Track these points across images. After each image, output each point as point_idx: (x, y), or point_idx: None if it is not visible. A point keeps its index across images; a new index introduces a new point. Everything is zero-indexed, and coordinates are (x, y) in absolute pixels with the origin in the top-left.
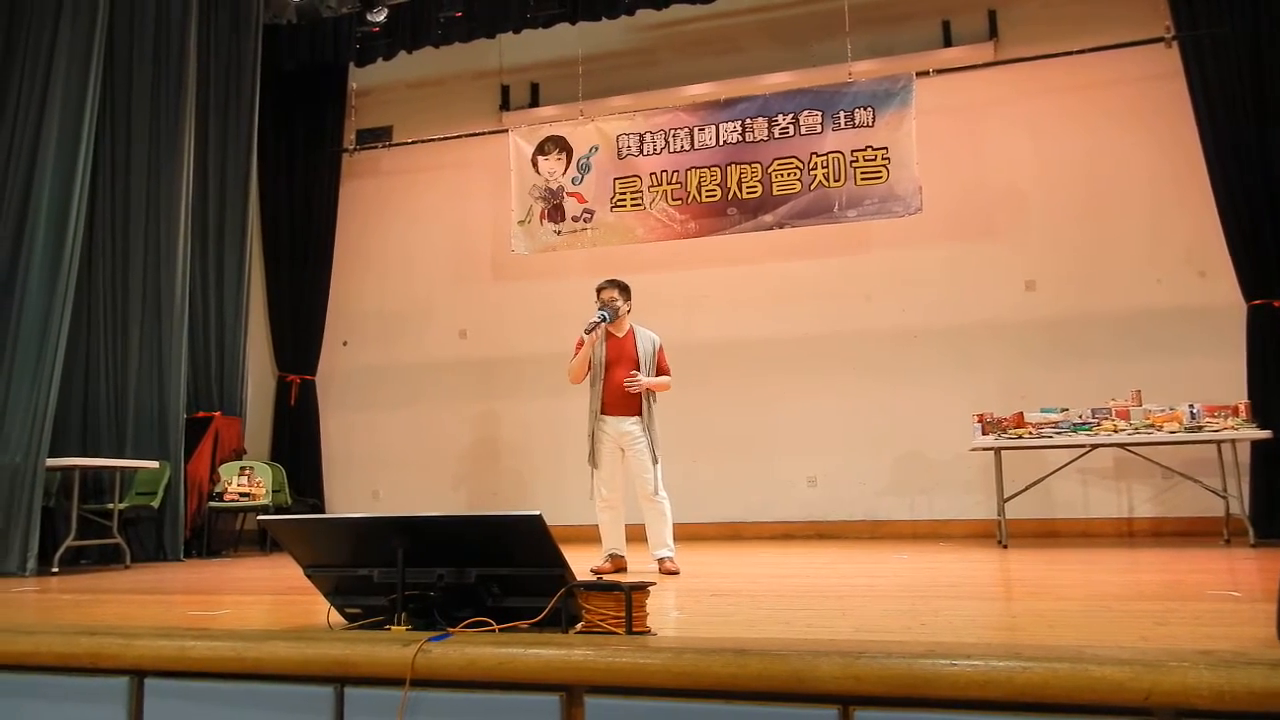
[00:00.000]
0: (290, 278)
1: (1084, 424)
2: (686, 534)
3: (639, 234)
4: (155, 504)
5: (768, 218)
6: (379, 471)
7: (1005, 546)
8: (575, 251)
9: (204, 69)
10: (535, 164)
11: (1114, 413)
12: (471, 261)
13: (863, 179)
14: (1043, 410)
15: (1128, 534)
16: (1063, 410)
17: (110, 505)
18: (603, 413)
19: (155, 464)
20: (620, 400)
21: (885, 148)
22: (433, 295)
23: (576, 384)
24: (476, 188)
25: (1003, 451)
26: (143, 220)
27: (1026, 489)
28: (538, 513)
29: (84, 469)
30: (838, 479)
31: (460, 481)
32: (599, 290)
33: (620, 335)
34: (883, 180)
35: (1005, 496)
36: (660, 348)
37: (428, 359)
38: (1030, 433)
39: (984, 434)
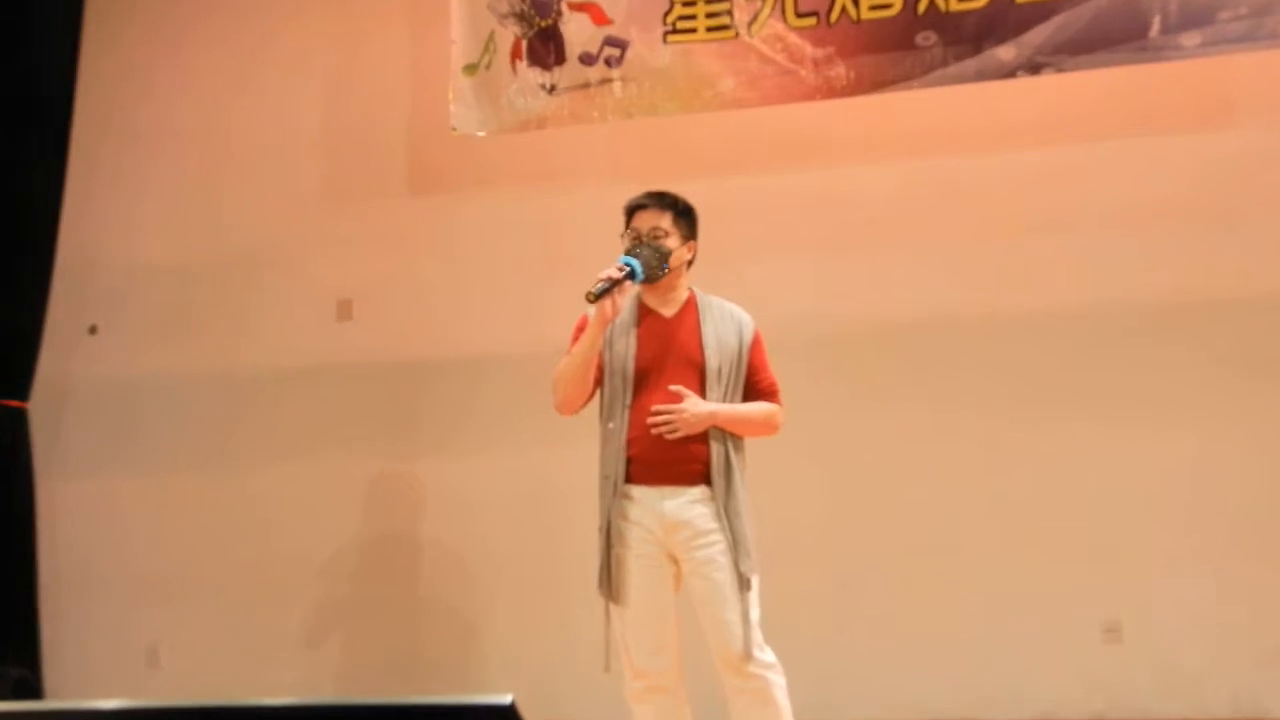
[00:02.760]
0: None
1: None
2: None
3: (726, 92)
4: None
5: (1005, 52)
6: (160, 606)
7: None
8: (587, 130)
9: None
10: None
11: None
12: (363, 160)
13: None
14: None
15: None
16: None
17: None
18: (629, 480)
19: None
20: (665, 451)
21: None
22: (279, 233)
23: (568, 412)
24: (370, 4)
25: None
26: None
27: None
28: (508, 698)
29: None
30: (1166, 628)
31: (332, 629)
32: (629, 212)
33: (669, 313)
34: None
35: None
36: (756, 341)
37: (269, 362)
38: None
39: None
